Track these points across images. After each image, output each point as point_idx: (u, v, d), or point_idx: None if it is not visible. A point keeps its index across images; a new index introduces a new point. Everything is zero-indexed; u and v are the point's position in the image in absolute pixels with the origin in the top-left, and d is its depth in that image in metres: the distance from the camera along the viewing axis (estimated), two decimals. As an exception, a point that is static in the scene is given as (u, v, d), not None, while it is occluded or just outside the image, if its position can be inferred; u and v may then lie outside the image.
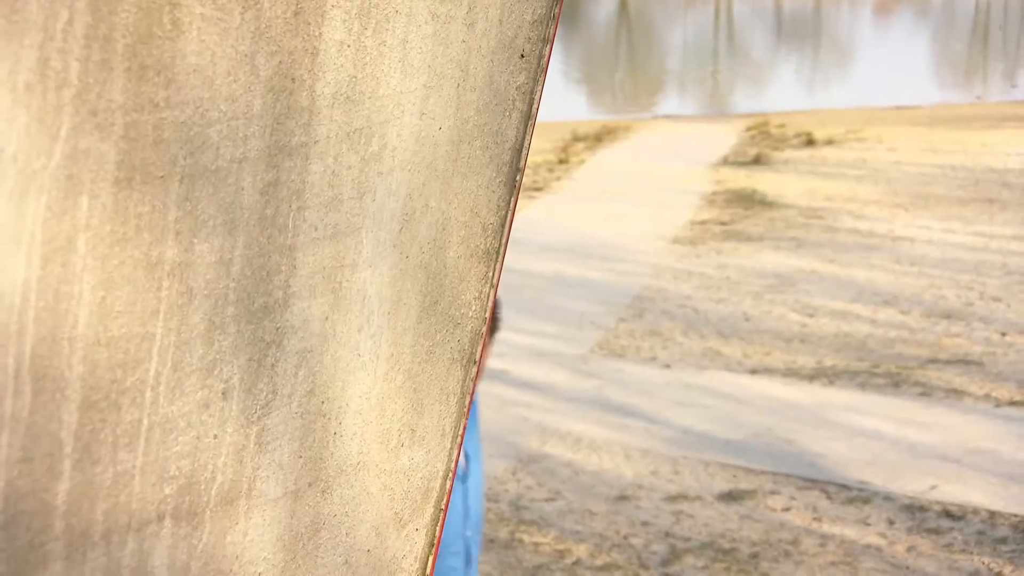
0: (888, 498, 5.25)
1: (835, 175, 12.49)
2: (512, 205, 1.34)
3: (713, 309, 8.13)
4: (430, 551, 1.64)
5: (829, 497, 5.26)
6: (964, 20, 42.93)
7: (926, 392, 6.49)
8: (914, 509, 5.15)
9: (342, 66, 1.32)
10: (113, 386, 1.23)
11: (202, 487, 1.34)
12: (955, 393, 6.46)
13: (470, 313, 1.41)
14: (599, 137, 15.96)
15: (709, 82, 27.69)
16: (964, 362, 6.95)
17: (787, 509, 5.16)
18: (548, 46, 1.27)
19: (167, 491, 1.32)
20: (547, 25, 1.25)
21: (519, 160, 1.31)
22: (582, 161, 14.30)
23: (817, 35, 39.47)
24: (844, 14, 48.27)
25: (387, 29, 1.34)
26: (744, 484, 5.40)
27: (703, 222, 10.78)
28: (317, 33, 1.28)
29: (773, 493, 5.31)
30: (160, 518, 1.31)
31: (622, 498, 5.26)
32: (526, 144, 1.29)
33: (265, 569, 1.44)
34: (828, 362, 7.01)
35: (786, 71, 29.00)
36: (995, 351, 7.15)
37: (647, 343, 7.43)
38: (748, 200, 11.51)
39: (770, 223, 10.59)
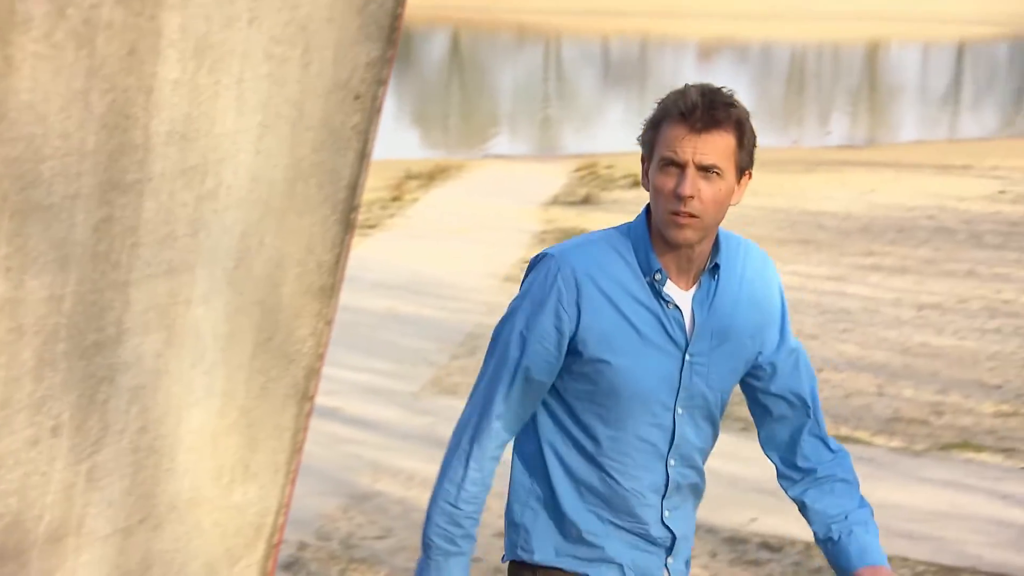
0: (711, 531, 5.39)
1: (661, 216, 12.80)
2: (347, 242, 1.37)
3: (543, 346, 8.22)
4: (263, 587, 1.64)
5: (655, 530, 5.37)
6: (780, 67, 44.58)
7: (747, 427, 6.68)
8: (735, 541, 5.30)
9: (177, 104, 1.32)
10: (-62, 423, 1.20)
11: (29, 525, 1.31)
12: (775, 427, 6.69)
13: (305, 349, 1.43)
14: (432, 176, 16.04)
15: (539, 123, 28.11)
16: (783, 397, 7.20)
17: (615, 542, 5.25)
18: (383, 87, 1.31)
19: (-7, 530, 1.29)
20: (382, 67, 1.29)
21: (354, 198, 1.34)
22: (415, 199, 14.35)
23: (643, 78, 40.46)
24: (668, 58, 49.60)
25: (222, 68, 1.35)
26: (573, 519, 5.48)
27: (534, 260, 10.92)
28: (152, 72, 1.28)
29: (602, 527, 5.40)
30: (-15, 558, 1.28)
31: (454, 535, 5.27)
32: (361, 182, 1.33)
33: (95, 607, 1.42)
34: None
35: (614, 113, 29.64)
36: (812, 386, 7.42)
37: (479, 380, 7.47)
38: (577, 239, 11.71)
39: (599, 262, 10.78)
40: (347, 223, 1.31)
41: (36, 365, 1.16)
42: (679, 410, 2.37)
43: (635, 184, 15.07)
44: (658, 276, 2.29)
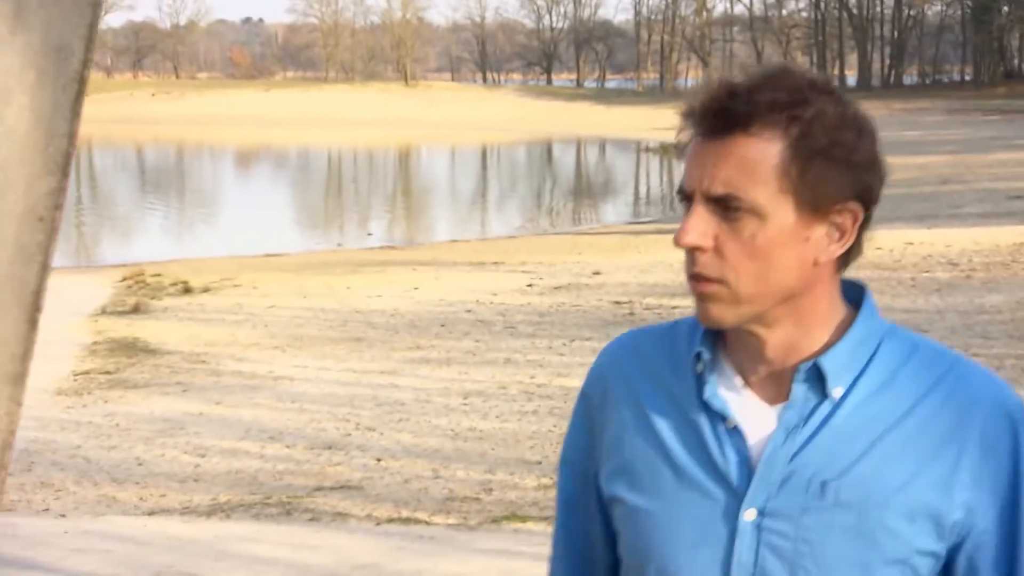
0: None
1: (215, 320, 12.95)
2: (33, 337, 1.60)
3: (105, 456, 8.17)
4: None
5: (236, 622, 5.54)
6: (319, 173, 45.79)
7: (315, 517, 6.99)
8: (314, 623, 5.57)
9: None
10: None
11: None
12: (340, 516, 7.03)
13: (1, 426, 1.63)
14: (-35, 289, 15.27)
15: (75, 232, 27.29)
16: (346, 487, 7.57)
17: (197, 638, 5.37)
18: (59, 211, 1.56)
19: None
20: (59, 195, 1.55)
21: (39, 302, 1.58)
22: (-52, 315, 13.63)
23: (182, 186, 40.24)
24: (207, 165, 49.62)
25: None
26: (153, 621, 5.54)
27: (87, 372, 10.74)
28: None
29: (182, 625, 5.50)
30: None
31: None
32: (43, 288, 1.57)
33: None
34: (223, 498, 7.33)
35: (155, 221, 29.31)
36: (373, 475, 7.84)
37: (39, 495, 7.34)
38: (131, 348, 11.63)
39: (155, 370, 10.78)
40: (33, 322, 1.56)
41: None
42: None
43: (185, 291, 15.10)
44: (700, 366, 1.44)
